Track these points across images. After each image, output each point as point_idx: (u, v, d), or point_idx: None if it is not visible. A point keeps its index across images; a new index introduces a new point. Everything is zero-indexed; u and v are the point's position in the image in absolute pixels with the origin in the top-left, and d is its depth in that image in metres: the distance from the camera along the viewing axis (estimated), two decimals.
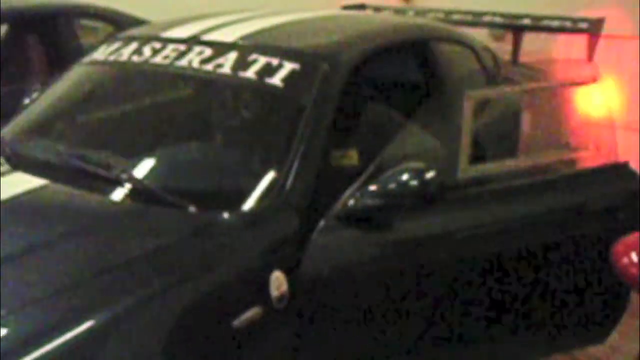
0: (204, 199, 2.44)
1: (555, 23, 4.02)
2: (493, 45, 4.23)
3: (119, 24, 5.14)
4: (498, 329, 2.86)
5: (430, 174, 2.44)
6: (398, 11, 4.56)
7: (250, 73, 2.73)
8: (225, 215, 2.36)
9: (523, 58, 4.12)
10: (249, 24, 3.11)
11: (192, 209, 2.38)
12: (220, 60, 2.81)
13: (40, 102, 3.18)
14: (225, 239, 2.31)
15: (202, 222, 2.35)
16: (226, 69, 2.77)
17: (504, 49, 4.18)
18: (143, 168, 2.63)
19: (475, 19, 4.25)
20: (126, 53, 3.03)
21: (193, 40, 2.98)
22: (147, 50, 2.99)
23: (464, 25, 4.13)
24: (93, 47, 3.34)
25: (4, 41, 5.19)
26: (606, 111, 3.25)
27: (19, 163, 2.69)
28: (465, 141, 2.72)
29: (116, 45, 3.14)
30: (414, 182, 2.42)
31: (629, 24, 4.83)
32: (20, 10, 5.10)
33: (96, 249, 2.25)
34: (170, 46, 2.97)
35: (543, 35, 4.30)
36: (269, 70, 2.72)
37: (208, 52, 2.87)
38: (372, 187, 2.44)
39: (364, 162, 2.69)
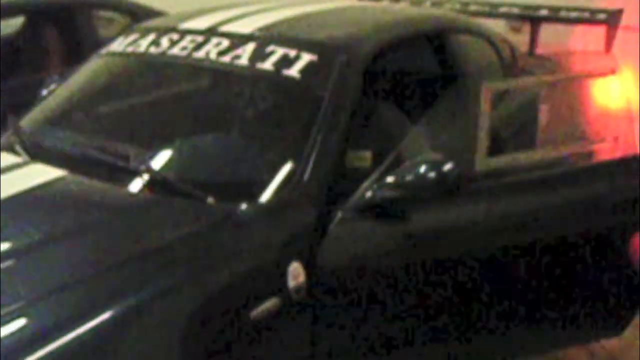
0: (221, 190, 2.44)
1: (573, 14, 4.01)
2: (510, 36, 4.22)
3: (136, 16, 5.15)
4: (513, 322, 2.85)
5: (447, 166, 2.43)
6: (415, 2, 4.55)
7: (268, 64, 2.73)
8: (243, 206, 2.36)
9: (540, 50, 4.11)
10: (266, 16, 3.11)
11: (210, 200, 2.38)
12: (237, 52, 2.81)
13: (58, 93, 3.19)
14: (243, 231, 2.32)
15: (220, 214, 2.36)
16: (244, 61, 2.77)
17: (521, 40, 4.16)
18: (161, 159, 2.64)
19: (492, 10, 4.23)
20: (144, 44, 3.04)
21: (210, 32, 2.98)
22: (164, 42, 2.99)
23: (481, 16, 4.12)
24: (111, 39, 3.35)
25: (21, 33, 5.21)
26: (624, 103, 3.23)
27: (38, 154, 2.70)
28: (483, 133, 2.71)
29: (134, 36, 3.14)
30: (432, 174, 2.41)
31: None
32: (37, 1, 5.12)
33: (114, 240, 2.25)
34: (188, 37, 2.97)
35: (561, 27, 4.28)
36: (286, 61, 2.72)
37: (225, 43, 2.87)
38: (390, 179, 2.44)
39: (381, 154, 2.68)
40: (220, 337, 2.10)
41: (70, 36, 5.08)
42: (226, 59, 2.81)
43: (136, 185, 2.48)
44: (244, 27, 2.99)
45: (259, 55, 2.78)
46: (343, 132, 2.60)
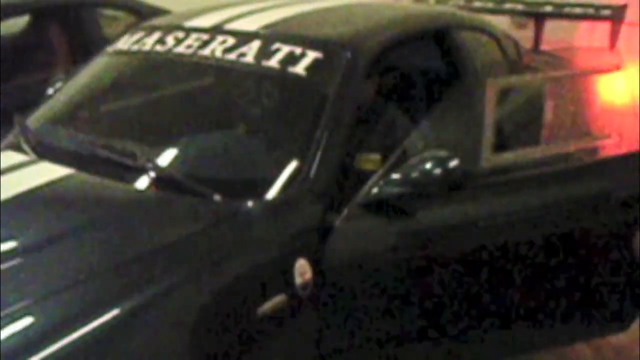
0: (228, 187, 2.45)
1: (578, 10, 4.00)
2: (515, 33, 4.21)
3: (141, 14, 5.16)
4: (519, 317, 2.86)
5: (453, 163, 2.44)
6: None
7: (273, 62, 2.74)
8: (250, 203, 2.37)
9: (545, 46, 4.10)
10: (271, 13, 3.12)
11: (216, 197, 2.39)
12: (243, 49, 2.82)
13: (64, 92, 3.20)
14: (249, 228, 2.33)
15: (227, 211, 2.36)
16: (249, 58, 2.78)
17: (526, 36, 4.16)
18: (167, 157, 2.64)
19: (497, 7, 4.23)
20: (149, 43, 3.05)
21: (216, 30, 2.99)
22: (170, 40, 3.00)
23: (485, 12, 4.11)
24: (116, 37, 3.36)
25: (27, 32, 5.23)
26: (629, 99, 3.23)
27: (45, 152, 2.71)
28: (488, 130, 2.72)
29: (139, 34, 3.15)
30: (438, 171, 2.42)
31: None
32: (42, 0, 5.13)
33: (121, 237, 2.26)
34: (193, 35, 2.98)
35: (565, 23, 4.28)
36: (292, 59, 2.73)
37: (231, 41, 2.88)
38: (396, 176, 2.44)
39: (387, 150, 2.69)
40: (227, 334, 2.11)
41: (75, 35, 5.09)
42: (232, 56, 2.81)
43: (143, 183, 2.49)
44: (249, 24, 2.99)
45: (265, 52, 2.78)
46: (349, 129, 2.60)
